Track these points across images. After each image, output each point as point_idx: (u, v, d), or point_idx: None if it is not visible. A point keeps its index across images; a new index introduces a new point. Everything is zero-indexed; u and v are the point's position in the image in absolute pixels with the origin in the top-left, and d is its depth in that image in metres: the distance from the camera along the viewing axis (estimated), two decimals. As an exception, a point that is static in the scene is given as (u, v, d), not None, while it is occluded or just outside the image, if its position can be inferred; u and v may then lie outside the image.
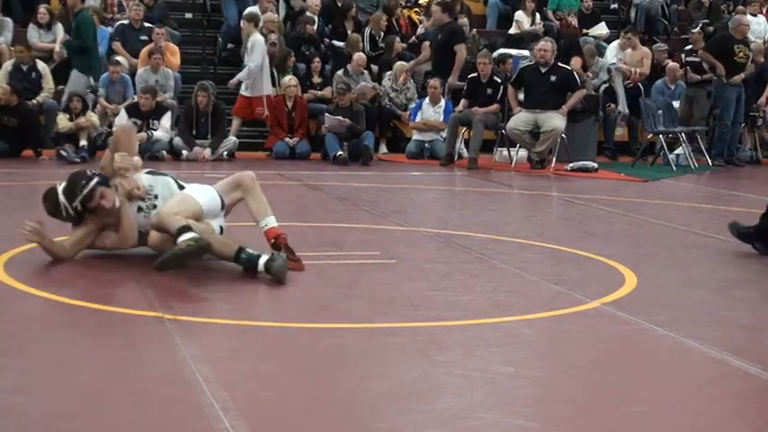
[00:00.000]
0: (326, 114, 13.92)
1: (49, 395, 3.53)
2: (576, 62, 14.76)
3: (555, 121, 13.11)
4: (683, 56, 15.99)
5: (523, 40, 17.17)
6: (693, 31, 16.44)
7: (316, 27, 16.22)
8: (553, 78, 13.29)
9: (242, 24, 15.11)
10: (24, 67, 13.93)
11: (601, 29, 17.95)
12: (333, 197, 9.89)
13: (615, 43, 16.72)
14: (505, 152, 14.22)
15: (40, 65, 14.20)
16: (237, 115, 14.42)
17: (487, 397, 3.69)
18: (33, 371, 3.81)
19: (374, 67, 15.91)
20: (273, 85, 14.91)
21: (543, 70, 13.35)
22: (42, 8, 15.27)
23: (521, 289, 5.69)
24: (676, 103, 15.28)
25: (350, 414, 3.51)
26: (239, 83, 14.41)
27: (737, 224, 7.19)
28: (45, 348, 4.19)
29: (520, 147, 13.72)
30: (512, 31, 17.72)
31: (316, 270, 6.03)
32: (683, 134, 14.54)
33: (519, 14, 17.76)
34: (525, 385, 3.87)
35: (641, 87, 15.84)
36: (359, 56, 15.30)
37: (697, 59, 15.12)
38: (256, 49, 14.20)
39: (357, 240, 7.23)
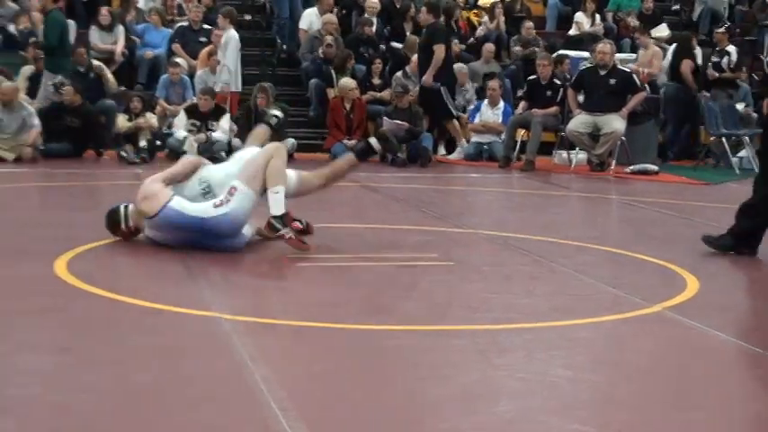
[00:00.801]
0: (384, 118, 13.92)
1: (110, 394, 3.57)
2: (685, 66, 14.72)
3: (615, 123, 13.00)
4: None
5: (583, 41, 17.05)
6: (719, 31, 16.19)
7: (374, 28, 16.24)
8: (613, 81, 13.18)
9: (218, 19, 14.62)
10: (83, 69, 14.11)
11: (662, 30, 17.76)
12: (391, 199, 9.89)
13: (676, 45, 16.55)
14: (565, 154, 14.13)
15: (100, 66, 14.35)
16: None
17: (547, 401, 3.67)
18: (95, 369, 3.85)
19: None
20: (332, 86, 14.95)
21: (603, 72, 13.24)
22: (104, 10, 15.44)
23: (580, 292, 5.65)
24: (740, 106, 15.09)
25: (409, 416, 3.50)
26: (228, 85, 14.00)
27: (710, 236, 7.00)
28: (106, 347, 4.23)
29: (579, 149, 13.64)
30: (571, 32, 17.61)
31: (373, 272, 6.04)
32: (746, 136, 14.35)
33: (578, 16, 17.65)
34: (585, 389, 3.84)
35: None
36: (415, 60, 15.28)
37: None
38: (231, 45, 13.84)
39: (415, 242, 7.22)
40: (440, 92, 14.10)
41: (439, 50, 13.89)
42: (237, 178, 6.43)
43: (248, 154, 6.79)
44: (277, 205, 6.40)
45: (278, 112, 7.62)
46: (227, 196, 6.35)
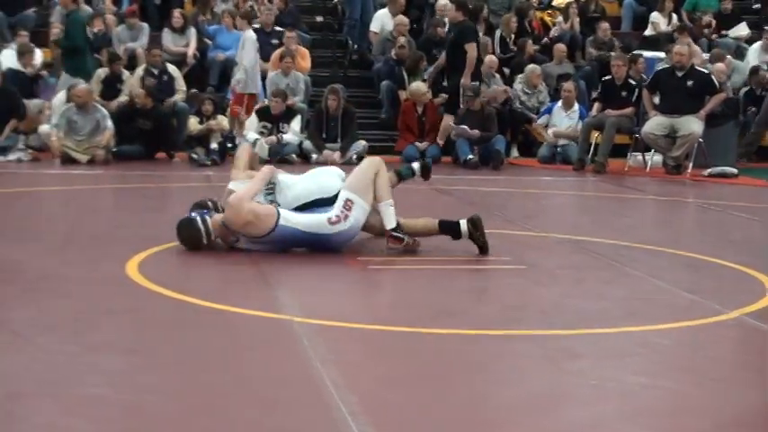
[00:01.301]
0: (452, 124, 13.90)
1: (179, 394, 3.61)
2: None
3: (692, 125, 12.84)
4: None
5: (659, 41, 16.86)
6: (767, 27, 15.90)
7: (446, 29, 16.22)
8: (690, 83, 13.00)
9: (236, 21, 14.80)
10: (155, 71, 14.28)
11: (741, 30, 17.51)
12: (463, 202, 9.87)
13: (758, 44, 16.31)
14: (640, 157, 13.99)
15: (171, 68, 14.52)
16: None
17: (619, 408, 3.63)
18: (164, 370, 3.90)
19: (506, 70, 15.83)
20: (403, 88, 14.96)
21: (680, 74, 13.08)
22: (176, 12, 15.62)
23: (655, 297, 5.58)
24: None
25: (479, 422, 3.49)
26: (237, 84, 13.99)
27: None
28: (175, 349, 4.28)
29: (655, 151, 13.49)
30: (647, 32, 17.43)
31: (446, 275, 6.03)
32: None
33: (655, 15, 17.45)
34: (659, 397, 3.79)
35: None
36: (490, 58, 15.23)
37: None
38: (248, 45, 13.84)
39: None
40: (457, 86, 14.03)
41: (471, 49, 13.73)
42: (351, 191, 6.49)
43: (326, 171, 6.88)
44: (390, 218, 6.57)
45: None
46: (343, 211, 6.41)
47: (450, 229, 6.69)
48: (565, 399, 3.71)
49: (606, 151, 13.29)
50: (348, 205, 6.44)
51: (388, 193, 6.65)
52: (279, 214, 6.30)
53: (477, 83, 13.91)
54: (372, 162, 6.81)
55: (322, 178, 6.70)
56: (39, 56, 14.95)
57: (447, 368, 4.10)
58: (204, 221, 6.42)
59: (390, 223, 6.53)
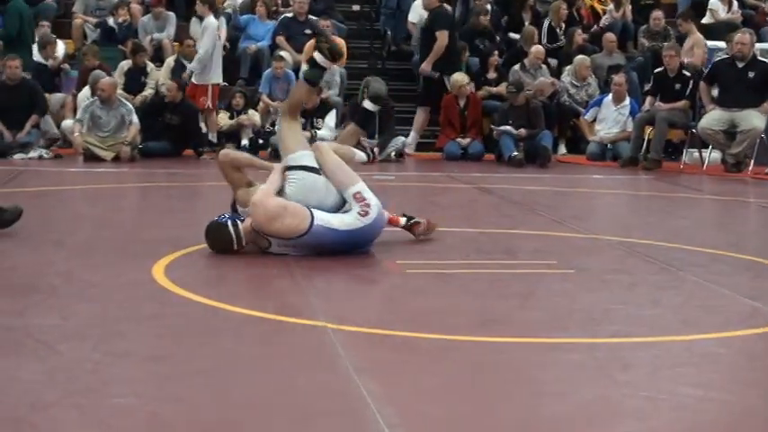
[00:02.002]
0: (492, 127, 13.89)
1: (207, 405, 3.63)
2: None
3: (754, 120, 12.74)
4: None
5: (718, 30, 16.75)
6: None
7: (490, 17, 16.21)
8: (752, 74, 12.90)
9: (195, 6, 14.56)
10: (187, 63, 14.35)
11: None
12: (507, 201, 9.87)
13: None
14: (696, 154, 13.91)
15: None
16: None
17: (673, 421, 3.63)
18: (192, 380, 3.93)
19: (553, 61, 15.79)
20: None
21: (740, 65, 12.98)
22: (205, 1, 15.70)
23: (713, 304, 5.56)
24: None
25: (523, 435, 3.50)
26: (191, 74, 13.85)
27: None
28: (204, 356, 4.31)
29: (713, 148, 13.41)
30: (705, 20, 17.31)
31: (488, 279, 6.03)
32: None
33: (713, 2, 17.32)
34: (716, 410, 3.78)
35: None
36: (537, 49, 15.19)
37: None
38: (207, 32, 13.66)
39: (532, 248, 7.19)
40: (442, 81, 13.96)
41: (441, 37, 13.63)
42: (349, 186, 6.53)
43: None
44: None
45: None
46: (360, 203, 6.47)
47: (363, 117, 7.35)
48: (615, 412, 3.71)
49: (659, 147, 13.22)
50: (359, 196, 6.48)
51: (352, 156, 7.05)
52: (312, 214, 6.32)
53: (438, 72, 13.78)
54: (324, 154, 6.74)
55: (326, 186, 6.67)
56: (61, 48, 15.09)
57: (490, 378, 4.10)
58: (235, 225, 6.41)
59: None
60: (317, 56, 6.85)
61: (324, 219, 6.35)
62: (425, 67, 13.90)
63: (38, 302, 5.10)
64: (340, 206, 6.53)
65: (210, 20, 13.77)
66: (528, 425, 3.59)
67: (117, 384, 3.83)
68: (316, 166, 6.62)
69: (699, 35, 15.50)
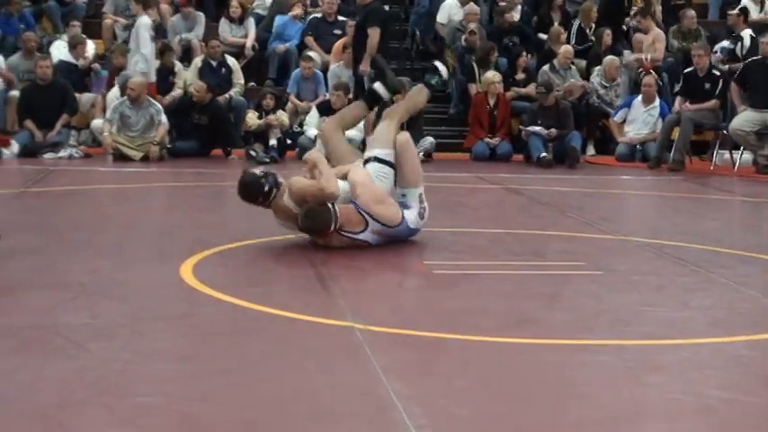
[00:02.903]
0: (521, 127, 13.86)
1: (235, 404, 3.65)
2: None
3: (785, 121, 12.68)
4: None
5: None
6: (731, 12, 15.44)
7: (518, 16, 16.18)
8: (784, 75, 12.84)
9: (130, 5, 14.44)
10: (214, 63, 14.41)
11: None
12: (535, 202, 9.85)
13: None
14: (727, 155, 13.84)
15: (230, 60, 14.65)
16: None
17: (702, 424, 3.61)
18: (220, 379, 3.94)
19: (581, 62, 15.74)
20: (474, 81, 14.93)
21: (772, 66, 12.92)
22: (235, 2, 15.75)
23: (742, 306, 5.54)
24: None
25: (550, 437, 3.50)
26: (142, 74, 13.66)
27: None
28: (231, 356, 4.32)
29: (744, 149, 13.34)
30: (736, 21, 17.23)
31: (516, 280, 6.03)
32: None
33: (745, 2, 17.24)
34: (745, 413, 3.76)
35: None
36: (566, 49, 15.16)
37: None
38: (142, 31, 13.53)
39: (561, 249, 7.18)
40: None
41: (374, 34, 13.31)
42: (411, 186, 6.93)
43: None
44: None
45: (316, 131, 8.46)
46: (422, 209, 6.91)
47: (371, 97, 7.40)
48: (643, 413, 3.70)
49: (683, 147, 13.15)
50: (422, 198, 6.92)
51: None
52: (401, 208, 6.74)
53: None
54: (410, 148, 7.05)
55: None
56: (91, 47, 15.17)
57: (518, 380, 4.10)
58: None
59: None
60: (380, 88, 7.20)
61: (406, 213, 6.72)
62: (364, 68, 13.81)
63: (67, 301, 5.14)
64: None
65: (144, 19, 13.71)
66: (555, 426, 3.59)
67: (145, 383, 3.85)
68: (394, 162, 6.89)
69: (658, 30, 15.25)
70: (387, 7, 17.86)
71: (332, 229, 6.48)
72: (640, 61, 14.85)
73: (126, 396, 3.69)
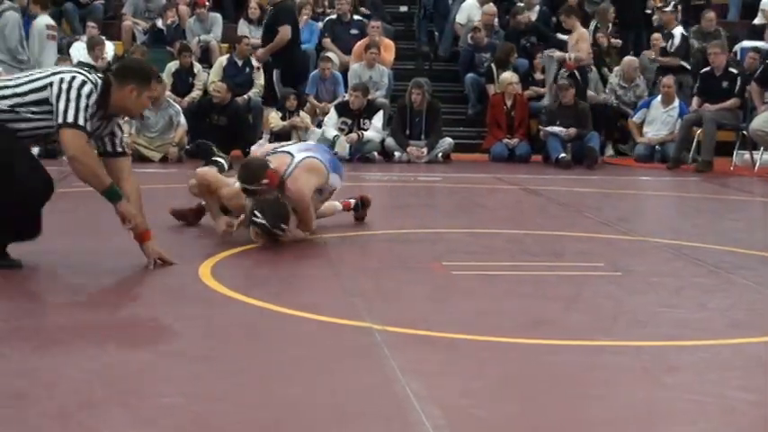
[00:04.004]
0: (541, 128, 13.84)
1: (253, 405, 3.66)
2: None
3: (806, 121, 12.63)
4: None
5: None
6: (666, 9, 15.30)
7: (537, 17, 16.17)
8: (805, 75, 12.80)
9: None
10: (240, 62, 14.42)
11: None
12: (554, 203, 9.84)
13: None
14: (747, 155, 13.80)
15: (253, 60, 14.67)
16: None
17: (722, 426, 3.60)
18: (238, 380, 3.95)
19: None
20: (492, 81, 14.93)
21: (793, 66, 12.88)
22: (253, 3, 15.78)
23: (762, 307, 5.52)
24: None
25: (569, 438, 3.49)
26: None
27: None
28: (249, 356, 4.33)
29: (764, 150, 13.29)
30: (756, 21, 17.16)
31: (534, 281, 6.02)
32: None
33: (765, 3, 17.17)
34: (765, 415, 3.75)
35: None
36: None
37: None
38: (37, 33, 13.43)
39: (579, 250, 7.17)
40: (271, 74, 13.76)
41: (283, 32, 13.34)
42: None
43: None
44: None
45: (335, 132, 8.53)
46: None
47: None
48: (662, 415, 3.69)
49: (709, 149, 13.12)
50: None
51: None
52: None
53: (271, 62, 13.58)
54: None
55: None
56: (110, 49, 15.23)
57: (536, 381, 4.10)
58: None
59: None
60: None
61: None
62: (260, 55, 13.69)
63: (86, 301, 5.15)
64: None
65: (37, 20, 13.60)
66: (573, 427, 3.58)
67: (164, 384, 3.86)
68: None
69: (583, 30, 14.95)
70: (405, 8, 17.92)
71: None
72: (563, 61, 14.66)
73: (145, 396, 3.70)
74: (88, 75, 5.72)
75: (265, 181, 6.57)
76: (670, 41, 14.78)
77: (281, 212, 6.65)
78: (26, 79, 5.74)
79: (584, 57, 14.58)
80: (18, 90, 5.66)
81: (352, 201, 7.93)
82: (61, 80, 5.62)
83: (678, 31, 14.84)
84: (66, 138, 5.61)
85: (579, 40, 14.60)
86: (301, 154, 6.94)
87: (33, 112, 5.64)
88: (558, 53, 14.71)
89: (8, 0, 14.63)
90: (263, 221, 6.59)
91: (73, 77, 5.64)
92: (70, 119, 5.58)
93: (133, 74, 5.88)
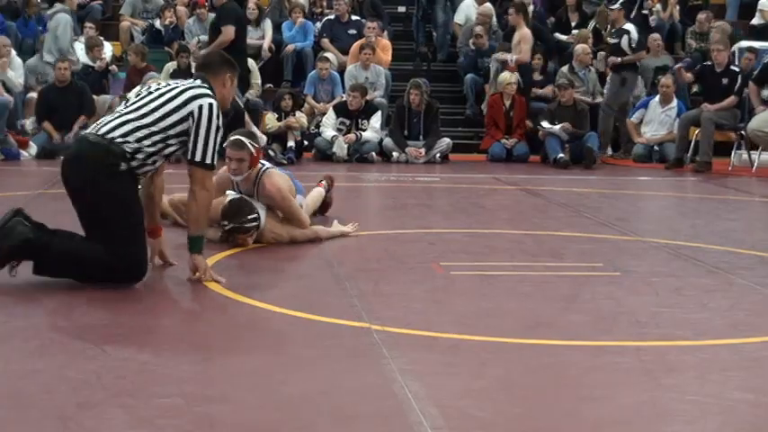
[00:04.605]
0: (541, 123, 13.83)
1: (253, 405, 3.65)
2: None
3: (804, 121, 12.63)
4: None
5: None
6: (613, 7, 15.27)
7: (532, 16, 16.17)
8: (802, 75, 12.80)
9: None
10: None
11: None
12: (552, 203, 9.84)
13: None
14: (745, 155, 13.80)
15: (249, 62, 14.66)
16: None
17: (722, 426, 3.60)
18: (238, 380, 3.95)
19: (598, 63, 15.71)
20: (487, 81, 14.94)
21: (790, 66, 12.88)
22: (252, 3, 15.76)
23: (762, 308, 5.51)
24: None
25: (569, 438, 3.49)
26: None
27: None
28: (249, 357, 4.33)
29: (762, 149, 13.29)
30: (755, 21, 17.16)
31: (533, 282, 6.02)
32: None
33: (763, 2, 17.17)
34: (766, 415, 3.75)
35: None
36: (583, 48, 15.11)
37: None
38: (63, 26, 13.61)
39: (578, 250, 7.17)
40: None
41: (226, 32, 13.21)
42: None
43: None
44: None
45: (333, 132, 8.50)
46: None
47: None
48: (662, 415, 3.69)
49: (708, 149, 13.12)
50: None
51: None
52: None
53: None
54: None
55: None
56: (108, 49, 15.22)
57: (535, 381, 4.09)
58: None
59: None
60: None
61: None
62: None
63: (85, 302, 5.15)
64: None
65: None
66: (573, 428, 3.58)
67: (163, 384, 3.86)
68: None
69: (526, 30, 14.67)
70: (403, 9, 17.91)
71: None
72: (504, 62, 14.61)
73: (144, 397, 3.69)
74: (210, 92, 5.63)
75: (252, 216, 6.70)
76: (626, 37, 14.66)
77: (241, 207, 6.73)
78: (162, 112, 5.50)
79: (524, 58, 14.46)
80: (156, 128, 5.48)
81: (324, 182, 8.17)
82: (200, 108, 5.50)
83: (631, 27, 14.72)
84: (199, 176, 5.59)
85: (521, 41, 14.45)
86: (266, 164, 7.12)
87: (173, 144, 5.58)
88: (501, 55, 14.69)
89: (59, 2, 14.73)
90: (231, 224, 6.68)
91: (210, 105, 5.53)
92: (208, 160, 5.58)
93: (221, 62, 5.85)
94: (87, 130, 5.69)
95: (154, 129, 5.48)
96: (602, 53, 15.20)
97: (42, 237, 5.30)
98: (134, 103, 5.59)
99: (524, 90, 14.27)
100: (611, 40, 14.53)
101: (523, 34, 14.40)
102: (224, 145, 6.56)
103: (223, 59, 5.94)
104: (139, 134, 5.44)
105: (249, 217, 6.69)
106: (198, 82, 5.67)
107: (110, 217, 5.35)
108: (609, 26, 15.35)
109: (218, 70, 5.78)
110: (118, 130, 5.42)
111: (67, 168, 5.51)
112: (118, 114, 5.56)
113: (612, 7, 15.06)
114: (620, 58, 14.10)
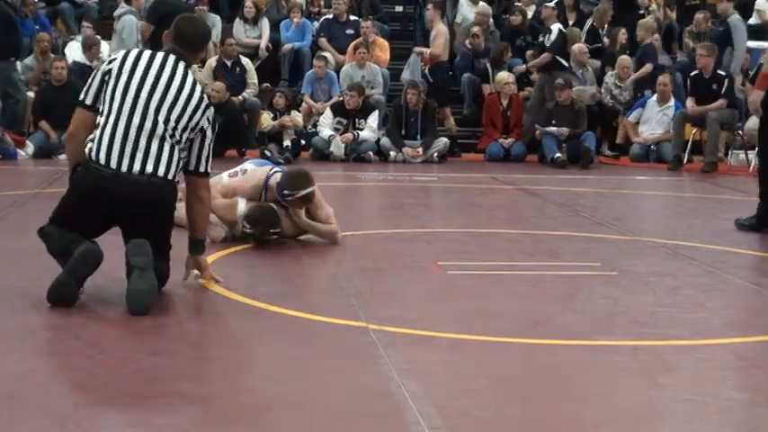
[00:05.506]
0: (538, 127, 13.84)
1: (250, 404, 3.64)
2: None
3: (802, 121, 12.63)
4: None
5: (765, 31, 16.60)
6: (548, 5, 15.24)
7: (532, 15, 16.17)
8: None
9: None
10: (229, 63, 14.41)
11: None
12: (550, 203, 9.84)
13: None
14: (742, 155, 13.81)
15: (245, 60, 14.66)
16: None
17: (719, 426, 3.60)
18: (235, 379, 3.95)
19: (595, 62, 15.70)
20: (488, 81, 14.93)
21: (788, 65, 12.87)
22: (249, 2, 15.76)
23: (759, 307, 5.52)
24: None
25: (566, 438, 3.49)
26: None
27: (739, 219, 8.04)
28: (247, 356, 4.33)
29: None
30: (751, 21, 17.17)
31: (531, 281, 6.02)
32: None
33: (761, 3, 17.17)
34: (763, 414, 3.75)
35: None
36: (579, 47, 15.11)
37: None
38: (129, 28, 13.60)
39: (575, 250, 7.17)
40: None
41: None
42: None
43: None
44: None
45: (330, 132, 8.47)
46: None
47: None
48: (659, 415, 3.69)
49: (714, 149, 13.15)
50: None
51: None
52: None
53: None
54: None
55: None
56: (105, 48, 15.19)
57: (533, 381, 4.09)
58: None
59: None
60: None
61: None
62: None
63: (82, 301, 5.14)
64: None
65: None
66: (571, 427, 3.58)
67: (160, 383, 3.85)
68: None
69: (443, 26, 14.85)
70: (401, 8, 17.90)
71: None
72: (422, 55, 14.75)
73: (144, 396, 3.69)
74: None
75: (274, 230, 6.73)
76: (547, 36, 14.64)
77: (270, 220, 6.72)
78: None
79: (438, 52, 14.59)
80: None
81: None
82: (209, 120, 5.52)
83: (556, 27, 14.68)
84: (204, 183, 5.64)
85: (437, 36, 14.65)
86: (268, 166, 7.24)
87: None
88: (418, 48, 14.94)
89: (126, 4, 14.64)
90: (254, 231, 6.67)
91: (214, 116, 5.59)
92: (210, 169, 5.67)
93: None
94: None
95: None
96: (530, 51, 15.29)
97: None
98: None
99: (437, 87, 14.36)
100: (541, 39, 14.68)
101: (439, 30, 14.74)
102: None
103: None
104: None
105: (271, 231, 6.72)
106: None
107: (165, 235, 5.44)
108: (606, 25, 15.37)
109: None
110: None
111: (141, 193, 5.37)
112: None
113: (547, 5, 15.12)
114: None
